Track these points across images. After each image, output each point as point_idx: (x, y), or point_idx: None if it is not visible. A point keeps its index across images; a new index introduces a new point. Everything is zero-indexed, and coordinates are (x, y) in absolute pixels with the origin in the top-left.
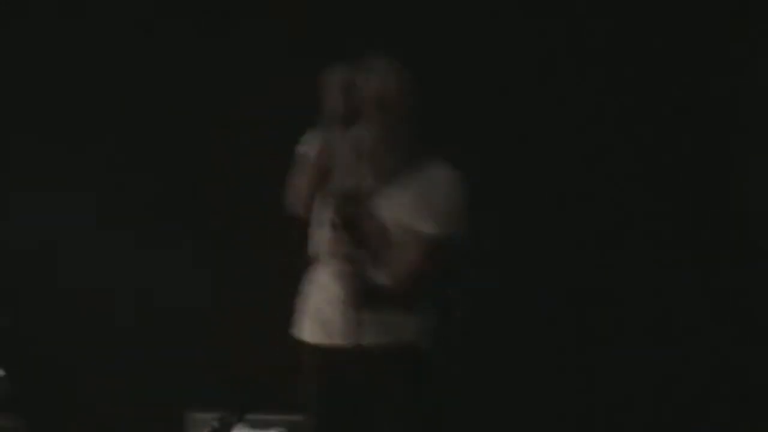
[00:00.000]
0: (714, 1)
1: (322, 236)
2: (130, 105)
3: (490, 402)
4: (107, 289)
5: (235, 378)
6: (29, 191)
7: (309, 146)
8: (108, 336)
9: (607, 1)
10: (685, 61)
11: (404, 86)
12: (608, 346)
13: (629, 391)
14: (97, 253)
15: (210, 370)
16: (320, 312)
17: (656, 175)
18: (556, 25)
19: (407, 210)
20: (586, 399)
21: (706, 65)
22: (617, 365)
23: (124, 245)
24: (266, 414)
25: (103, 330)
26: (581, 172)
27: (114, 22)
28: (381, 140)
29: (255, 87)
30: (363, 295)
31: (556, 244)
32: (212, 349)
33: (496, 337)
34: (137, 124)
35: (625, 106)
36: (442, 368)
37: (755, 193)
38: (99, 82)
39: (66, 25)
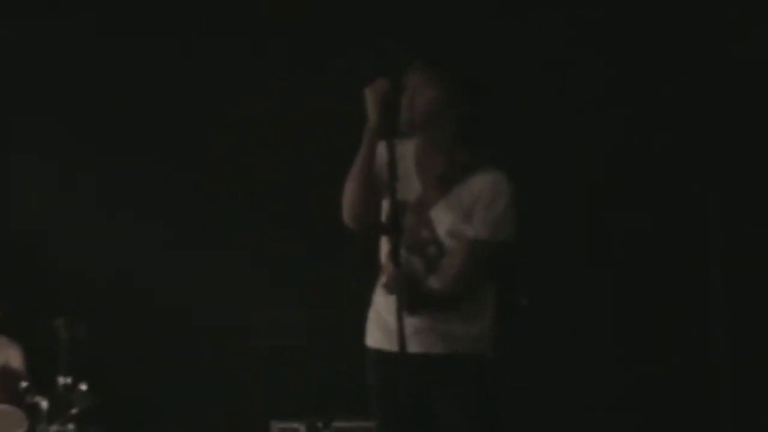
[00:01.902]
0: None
1: (383, 247)
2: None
3: (549, 412)
4: (185, 302)
5: (315, 387)
6: (96, 208)
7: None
8: (189, 347)
9: None
10: None
11: (451, 96)
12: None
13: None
14: (172, 267)
15: (292, 379)
16: (383, 319)
17: None
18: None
19: (457, 217)
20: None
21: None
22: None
23: (202, 259)
24: (344, 422)
25: (184, 341)
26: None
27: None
28: (431, 151)
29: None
30: (415, 302)
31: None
32: (293, 359)
33: (556, 345)
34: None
35: None
36: (503, 378)
37: None
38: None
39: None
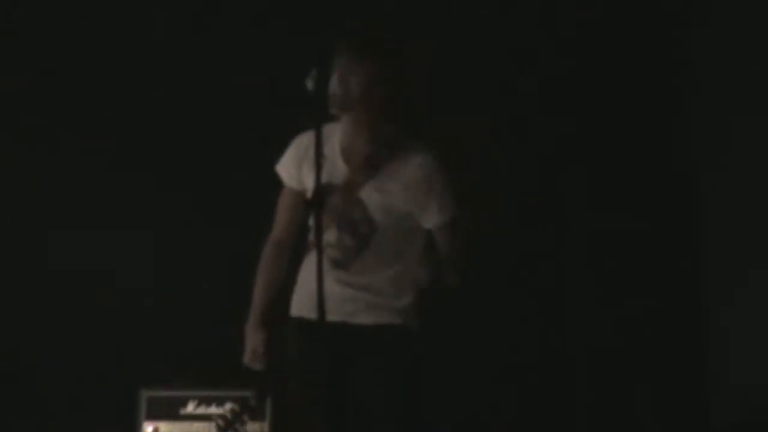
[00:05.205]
0: None
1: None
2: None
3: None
4: (60, 267)
5: (186, 354)
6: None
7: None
8: (61, 314)
9: None
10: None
11: (385, 76)
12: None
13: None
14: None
15: (161, 347)
16: (309, 287)
17: None
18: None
19: (390, 196)
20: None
21: None
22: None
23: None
24: (218, 390)
25: (58, 308)
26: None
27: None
28: (357, 132)
29: None
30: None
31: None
32: (163, 326)
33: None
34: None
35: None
36: (430, 352)
37: None
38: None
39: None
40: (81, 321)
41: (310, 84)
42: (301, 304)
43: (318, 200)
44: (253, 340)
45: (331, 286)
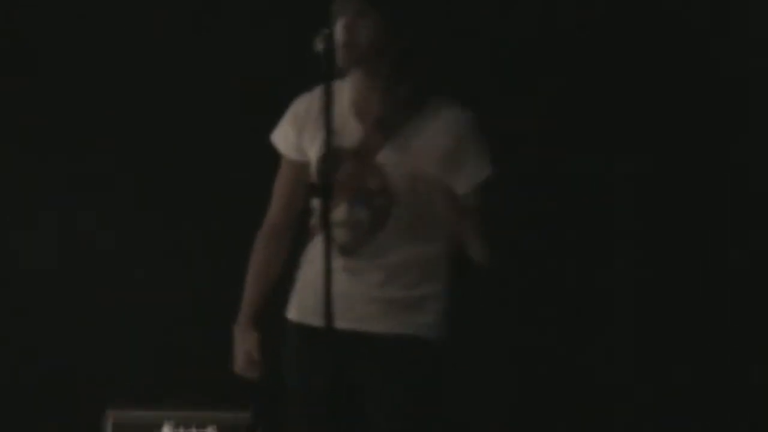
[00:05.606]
0: None
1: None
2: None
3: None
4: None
5: (159, 374)
6: None
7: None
8: (24, 323)
9: None
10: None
11: (393, 24)
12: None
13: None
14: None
15: (131, 364)
16: (314, 288)
17: None
18: None
19: (414, 160)
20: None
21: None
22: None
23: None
24: (198, 411)
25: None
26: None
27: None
28: (369, 89)
29: None
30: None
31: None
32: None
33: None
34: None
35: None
36: (452, 366)
37: None
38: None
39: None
40: (45, 334)
41: (319, 45)
42: (302, 306)
43: (326, 185)
44: (245, 342)
45: (338, 280)
